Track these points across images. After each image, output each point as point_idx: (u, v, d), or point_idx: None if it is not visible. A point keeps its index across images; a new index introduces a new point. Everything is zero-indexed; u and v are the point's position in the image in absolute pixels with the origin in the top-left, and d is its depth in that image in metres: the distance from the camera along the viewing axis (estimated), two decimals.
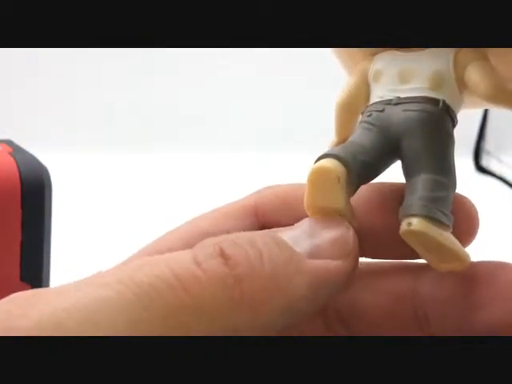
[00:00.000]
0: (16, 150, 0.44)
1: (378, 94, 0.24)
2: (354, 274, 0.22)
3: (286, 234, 0.21)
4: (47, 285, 0.43)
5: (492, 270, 0.23)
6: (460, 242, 0.22)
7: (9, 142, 0.46)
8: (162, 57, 0.95)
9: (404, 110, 0.23)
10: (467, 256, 0.22)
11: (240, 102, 0.99)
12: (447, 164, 0.23)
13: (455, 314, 0.23)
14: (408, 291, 0.23)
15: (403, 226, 0.22)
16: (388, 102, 0.23)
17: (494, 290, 0.22)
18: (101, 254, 0.48)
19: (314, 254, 0.21)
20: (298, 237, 0.21)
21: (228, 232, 0.22)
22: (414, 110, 0.23)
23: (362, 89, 0.25)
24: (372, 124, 0.23)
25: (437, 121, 0.23)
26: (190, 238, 0.24)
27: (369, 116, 0.24)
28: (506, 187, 0.97)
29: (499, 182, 0.99)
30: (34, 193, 0.42)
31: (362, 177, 0.23)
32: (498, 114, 1.03)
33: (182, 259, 0.19)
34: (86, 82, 0.98)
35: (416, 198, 0.22)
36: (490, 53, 0.23)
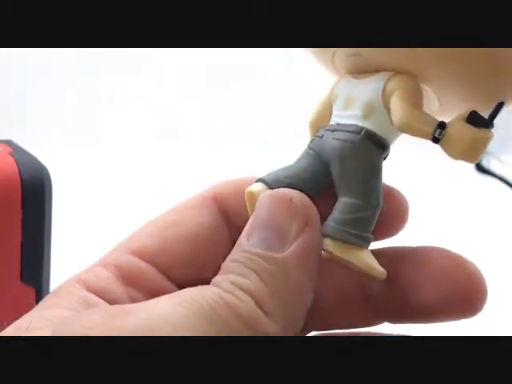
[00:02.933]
0: (16, 150, 0.44)
1: (332, 117, 0.26)
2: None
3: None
4: (48, 285, 0.42)
5: (424, 253, 0.25)
6: (390, 231, 0.26)
7: (9, 142, 0.46)
8: (161, 57, 0.95)
9: (333, 138, 0.25)
10: (381, 273, 0.24)
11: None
12: (366, 188, 0.24)
13: (397, 295, 0.25)
14: (356, 274, 0.25)
15: (324, 245, 0.24)
16: (328, 128, 0.25)
17: (426, 271, 0.24)
18: (101, 254, 0.48)
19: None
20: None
21: (195, 220, 0.26)
22: (338, 139, 0.25)
23: (328, 109, 0.26)
24: (312, 149, 0.26)
25: (356, 149, 0.24)
26: (162, 232, 0.27)
27: (312, 141, 0.26)
28: (506, 187, 0.97)
29: (499, 182, 0.99)
30: (34, 193, 0.42)
31: None
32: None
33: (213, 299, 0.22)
34: (87, 83, 0.98)
35: (331, 219, 0.24)
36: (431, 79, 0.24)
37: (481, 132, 0.24)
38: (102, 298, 0.25)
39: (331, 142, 0.25)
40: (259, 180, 0.25)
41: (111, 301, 0.25)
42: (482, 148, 0.24)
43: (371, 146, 0.24)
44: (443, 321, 0.25)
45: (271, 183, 0.25)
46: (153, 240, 0.26)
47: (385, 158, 0.25)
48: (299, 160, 0.26)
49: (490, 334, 0.25)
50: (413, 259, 0.25)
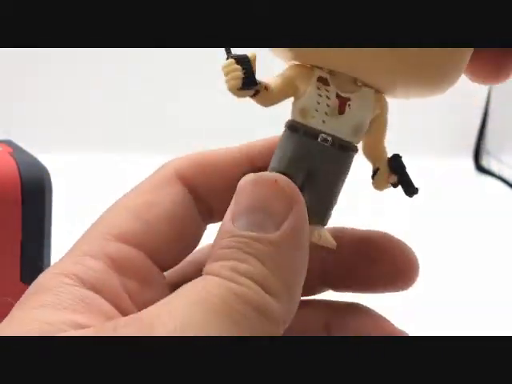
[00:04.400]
0: (16, 151, 0.44)
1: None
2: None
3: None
4: None
5: (376, 236, 0.28)
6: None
7: (9, 143, 0.46)
8: (159, 57, 0.95)
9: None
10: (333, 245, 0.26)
11: None
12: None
13: (348, 267, 0.28)
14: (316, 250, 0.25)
15: None
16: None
17: (377, 253, 0.28)
18: None
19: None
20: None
21: (168, 200, 0.26)
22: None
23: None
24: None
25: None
26: (141, 215, 0.26)
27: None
28: (506, 187, 0.97)
29: (499, 182, 0.99)
30: (34, 193, 0.42)
31: None
32: (498, 114, 1.03)
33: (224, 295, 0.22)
34: (87, 83, 0.98)
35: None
36: None
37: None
38: (98, 293, 0.24)
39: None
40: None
41: (107, 294, 0.24)
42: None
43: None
44: (381, 292, 0.29)
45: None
46: (135, 224, 0.25)
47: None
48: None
49: (490, 335, 0.25)
50: (367, 240, 0.28)
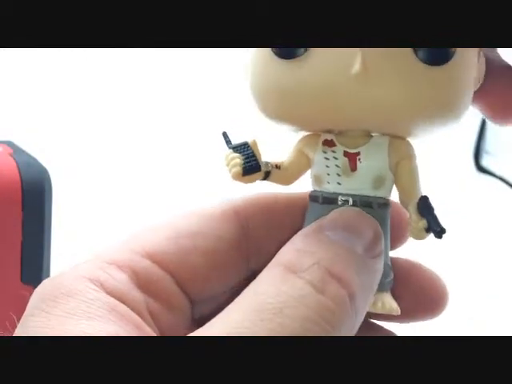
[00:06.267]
0: (16, 152, 0.44)
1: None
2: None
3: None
4: None
5: (405, 266, 0.27)
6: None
7: (9, 144, 0.46)
8: (159, 57, 0.95)
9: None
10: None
11: None
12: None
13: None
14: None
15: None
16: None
17: (407, 285, 0.27)
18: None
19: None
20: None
21: (214, 233, 0.25)
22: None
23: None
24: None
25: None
26: (179, 240, 0.25)
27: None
28: (506, 187, 0.97)
29: (499, 182, 0.99)
30: (34, 194, 0.42)
31: None
32: None
33: (307, 293, 0.22)
34: (87, 83, 0.98)
35: None
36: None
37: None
38: (123, 303, 0.22)
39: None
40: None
41: (131, 306, 0.23)
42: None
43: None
44: (415, 321, 0.28)
45: None
46: (169, 247, 0.24)
47: None
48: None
49: (490, 334, 0.25)
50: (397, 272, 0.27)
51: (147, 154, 0.94)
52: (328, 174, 0.24)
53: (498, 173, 1.00)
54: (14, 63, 0.95)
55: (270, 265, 0.23)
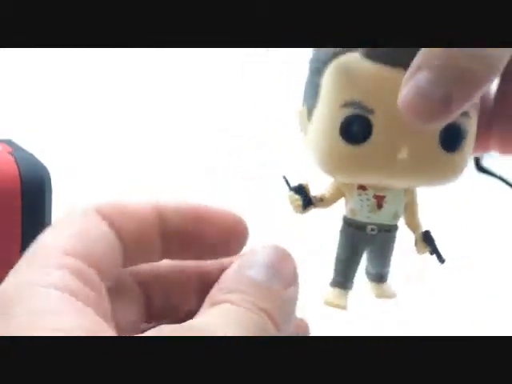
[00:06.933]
0: (16, 150, 0.44)
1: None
2: None
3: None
4: None
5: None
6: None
7: (9, 142, 0.46)
8: (159, 57, 0.95)
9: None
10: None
11: None
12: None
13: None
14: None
15: None
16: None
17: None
18: None
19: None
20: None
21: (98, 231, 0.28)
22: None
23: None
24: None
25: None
26: (82, 237, 0.28)
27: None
28: (506, 187, 0.97)
29: (499, 182, 0.99)
30: (33, 193, 0.42)
31: None
32: None
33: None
34: (87, 82, 0.98)
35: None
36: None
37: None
38: (80, 301, 0.25)
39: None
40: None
41: (86, 300, 0.26)
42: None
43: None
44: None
45: None
46: (76, 243, 0.27)
47: None
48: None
49: (490, 334, 0.25)
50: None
51: (147, 151, 0.94)
52: (361, 209, 0.32)
53: (497, 173, 1.00)
54: (14, 63, 0.95)
55: (203, 306, 0.27)
